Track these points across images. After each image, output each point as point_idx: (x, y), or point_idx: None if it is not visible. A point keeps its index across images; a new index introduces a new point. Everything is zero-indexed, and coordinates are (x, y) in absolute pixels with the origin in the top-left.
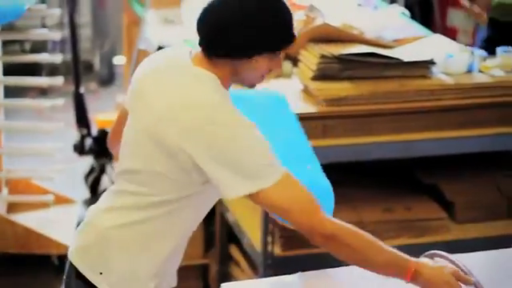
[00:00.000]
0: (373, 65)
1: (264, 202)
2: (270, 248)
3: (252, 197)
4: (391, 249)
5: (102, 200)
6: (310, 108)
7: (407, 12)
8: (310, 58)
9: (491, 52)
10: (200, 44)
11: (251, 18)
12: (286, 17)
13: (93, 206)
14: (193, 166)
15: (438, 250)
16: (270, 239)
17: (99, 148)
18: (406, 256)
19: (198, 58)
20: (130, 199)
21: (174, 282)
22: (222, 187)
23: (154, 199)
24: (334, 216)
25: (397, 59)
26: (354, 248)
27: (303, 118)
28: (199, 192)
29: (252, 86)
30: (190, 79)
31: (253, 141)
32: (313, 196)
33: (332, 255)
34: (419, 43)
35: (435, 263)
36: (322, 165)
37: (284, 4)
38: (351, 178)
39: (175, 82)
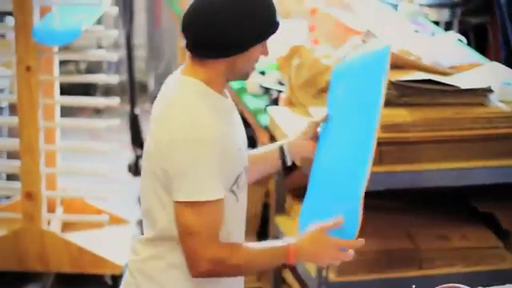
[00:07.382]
0: (430, 91)
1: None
2: (324, 273)
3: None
4: (261, 244)
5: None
6: None
7: (464, 39)
8: None
9: None
10: (191, 49)
11: (242, 13)
12: (268, 1)
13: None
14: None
15: (493, 279)
16: None
17: None
18: (279, 242)
19: (188, 64)
20: (151, 232)
21: None
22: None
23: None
24: (388, 242)
25: (454, 86)
26: (243, 266)
27: None
28: None
29: (246, 76)
30: (173, 95)
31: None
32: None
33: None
34: (476, 70)
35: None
36: (377, 191)
37: None
38: (406, 204)
39: (164, 102)
